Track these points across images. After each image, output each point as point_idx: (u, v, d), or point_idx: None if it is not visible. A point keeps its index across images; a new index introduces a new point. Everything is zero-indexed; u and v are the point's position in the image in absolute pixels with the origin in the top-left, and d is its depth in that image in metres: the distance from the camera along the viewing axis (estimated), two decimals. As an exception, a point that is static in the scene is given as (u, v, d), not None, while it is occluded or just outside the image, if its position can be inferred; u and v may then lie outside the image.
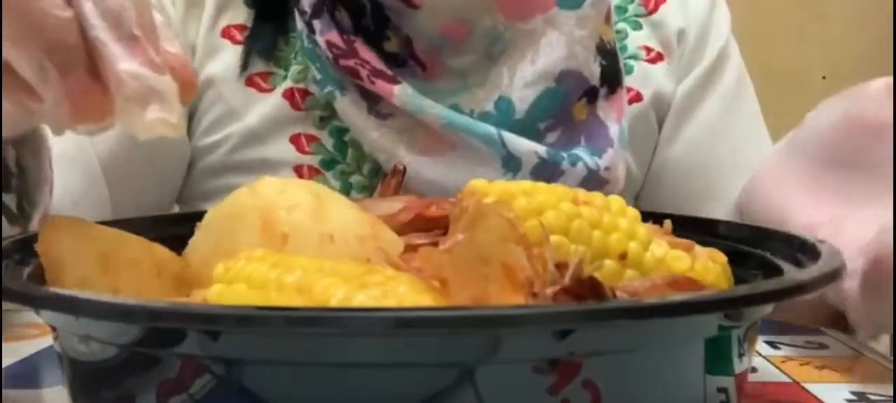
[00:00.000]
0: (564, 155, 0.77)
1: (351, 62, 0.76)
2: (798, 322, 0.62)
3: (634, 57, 0.87)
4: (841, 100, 0.60)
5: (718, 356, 0.42)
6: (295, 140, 0.80)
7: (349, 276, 0.39)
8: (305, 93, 0.80)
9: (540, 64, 0.78)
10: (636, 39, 0.88)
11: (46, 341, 0.61)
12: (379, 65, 0.76)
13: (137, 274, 0.46)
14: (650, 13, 0.89)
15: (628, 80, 0.84)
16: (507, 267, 0.40)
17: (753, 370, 0.54)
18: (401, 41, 0.78)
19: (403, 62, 0.78)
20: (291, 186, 0.48)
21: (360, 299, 0.37)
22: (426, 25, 0.77)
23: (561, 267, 0.40)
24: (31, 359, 0.60)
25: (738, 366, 0.43)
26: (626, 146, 0.82)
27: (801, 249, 0.48)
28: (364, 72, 0.76)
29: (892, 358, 0.61)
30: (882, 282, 0.56)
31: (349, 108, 0.77)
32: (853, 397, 0.55)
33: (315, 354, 0.37)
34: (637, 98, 0.86)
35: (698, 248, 0.51)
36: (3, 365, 0.57)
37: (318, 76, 0.78)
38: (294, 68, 0.80)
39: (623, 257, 0.49)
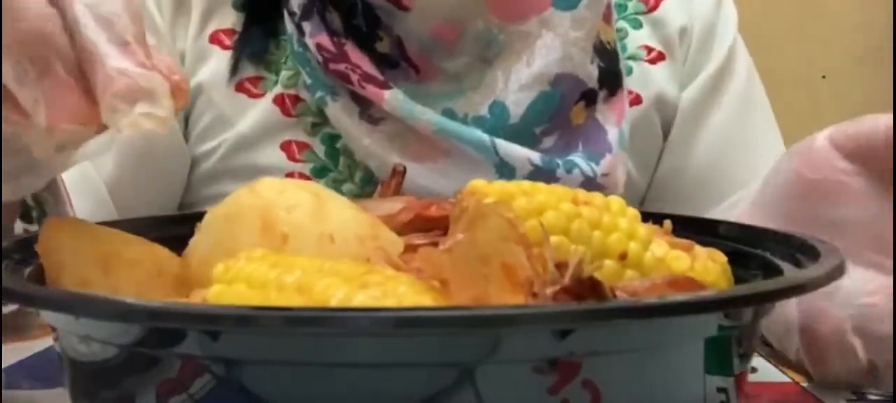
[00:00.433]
0: (560, 162, 0.75)
1: (341, 66, 0.75)
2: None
3: (634, 57, 0.85)
4: (790, 158, 0.58)
5: (718, 356, 0.42)
6: (286, 147, 0.79)
7: (349, 276, 0.39)
8: (296, 99, 0.79)
9: (535, 67, 0.76)
10: (636, 39, 0.86)
11: (46, 341, 0.61)
12: (370, 69, 0.75)
13: (137, 275, 0.46)
14: (651, 10, 0.87)
15: (627, 83, 0.82)
16: (507, 267, 0.40)
17: (753, 370, 0.54)
18: (392, 42, 0.77)
19: (396, 64, 0.77)
20: (291, 186, 0.48)
21: (360, 299, 0.37)
22: (417, 27, 0.76)
23: (561, 267, 0.40)
24: (31, 359, 0.60)
25: (738, 366, 0.43)
26: (627, 150, 0.80)
27: (801, 249, 0.48)
28: (354, 77, 0.74)
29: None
30: (818, 351, 0.56)
31: (340, 114, 0.76)
32: (853, 397, 0.55)
33: (315, 354, 0.37)
34: (637, 101, 0.84)
35: (698, 248, 0.51)
36: (4, 366, 0.57)
37: (309, 80, 0.77)
38: (284, 73, 0.79)
39: (623, 257, 0.49)
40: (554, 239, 0.47)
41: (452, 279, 0.39)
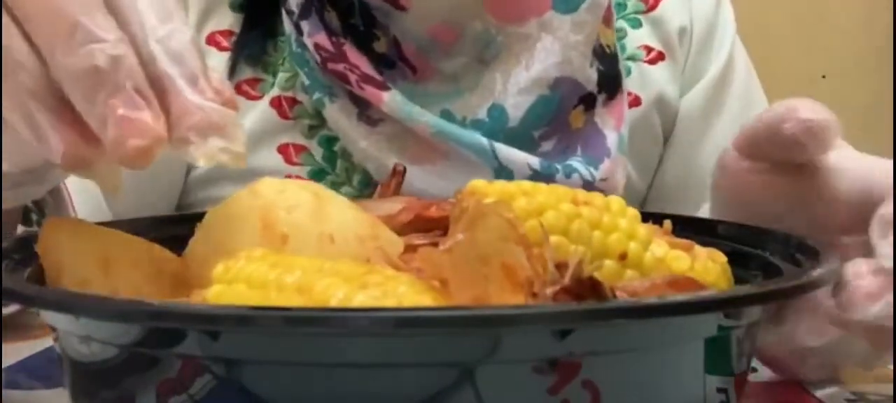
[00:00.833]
0: (559, 166, 0.75)
1: (339, 66, 0.74)
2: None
3: (633, 58, 0.85)
4: (715, 171, 0.57)
5: (718, 356, 0.42)
6: (283, 150, 0.78)
7: (349, 276, 0.39)
8: (293, 101, 0.78)
9: (534, 70, 0.76)
10: (635, 38, 0.85)
11: (46, 341, 0.61)
12: (368, 69, 0.75)
13: (137, 275, 0.46)
14: (650, 10, 0.86)
15: (626, 84, 0.82)
16: (507, 267, 0.40)
17: (753, 370, 0.54)
18: (389, 42, 0.76)
19: (393, 64, 0.76)
20: (291, 186, 0.48)
21: (360, 299, 0.37)
22: (414, 27, 0.75)
23: (561, 267, 0.40)
24: (31, 359, 0.60)
25: (738, 366, 0.43)
26: (626, 154, 0.80)
27: (801, 249, 0.48)
28: (353, 77, 0.74)
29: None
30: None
31: (338, 115, 0.76)
32: (853, 397, 0.55)
33: (315, 354, 0.37)
34: (636, 102, 0.84)
35: (698, 248, 0.51)
36: (4, 365, 0.57)
37: (307, 81, 0.76)
38: (281, 75, 0.79)
39: (623, 257, 0.49)
40: (554, 239, 0.47)
41: (452, 279, 0.39)
